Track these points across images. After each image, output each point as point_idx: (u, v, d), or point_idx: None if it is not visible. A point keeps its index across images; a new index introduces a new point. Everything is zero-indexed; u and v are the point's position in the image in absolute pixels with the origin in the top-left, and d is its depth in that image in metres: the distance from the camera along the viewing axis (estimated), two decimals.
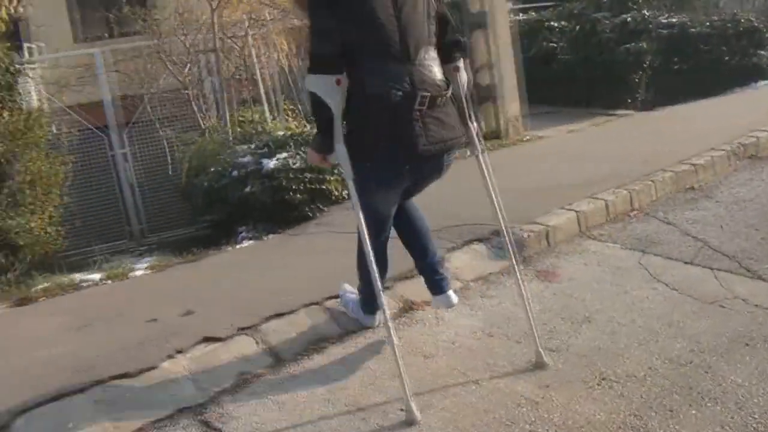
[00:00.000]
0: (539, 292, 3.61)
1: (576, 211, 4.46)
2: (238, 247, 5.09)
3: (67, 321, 3.77)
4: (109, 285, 4.60)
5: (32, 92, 8.84)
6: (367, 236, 2.74)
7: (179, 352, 3.10)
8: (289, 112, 7.84)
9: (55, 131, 8.26)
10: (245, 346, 3.16)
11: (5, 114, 6.91)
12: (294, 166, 5.46)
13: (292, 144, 5.68)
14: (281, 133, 5.86)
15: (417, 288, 3.53)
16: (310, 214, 5.41)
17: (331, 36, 2.67)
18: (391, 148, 2.72)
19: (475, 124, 2.97)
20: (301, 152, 5.58)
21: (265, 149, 5.73)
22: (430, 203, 3.37)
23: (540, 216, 4.41)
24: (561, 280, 3.73)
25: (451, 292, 3.23)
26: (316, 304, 3.47)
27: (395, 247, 3.20)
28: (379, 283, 2.76)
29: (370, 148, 2.73)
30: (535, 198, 4.83)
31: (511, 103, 7.16)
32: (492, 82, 7.08)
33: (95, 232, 8.65)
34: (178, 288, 4.23)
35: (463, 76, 2.92)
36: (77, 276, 5.00)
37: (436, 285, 3.21)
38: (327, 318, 3.40)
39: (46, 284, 4.84)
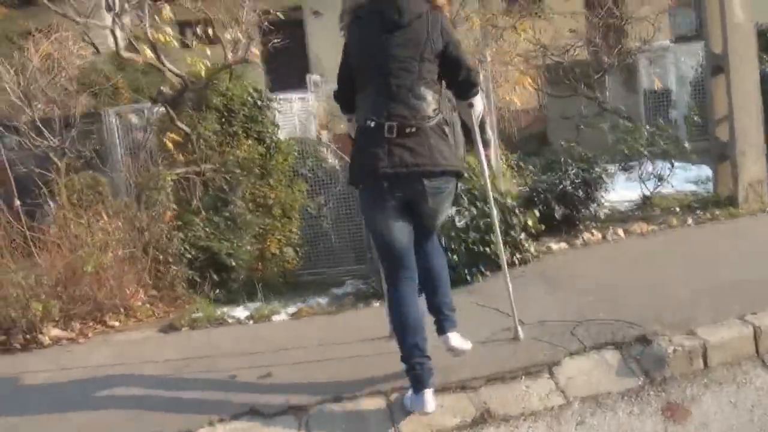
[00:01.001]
0: None
1: (755, 326, 3.50)
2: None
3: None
4: (247, 326, 4.73)
5: (295, 122, 9.58)
6: (382, 270, 3.31)
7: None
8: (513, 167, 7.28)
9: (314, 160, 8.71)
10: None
11: (244, 145, 7.51)
12: (458, 224, 5.09)
13: (465, 198, 5.30)
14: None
15: (503, 394, 3.05)
16: (469, 278, 5.01)
17: (342, 79, 3.31)
18: (364, 171, 3.13)
19: (483, 150, 3.45)
20: (473, 208, 5.20)
21: None
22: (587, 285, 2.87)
23: (704, 325, 3.53)
24: (688, 424, 2.93)
25: (450, 335, 3.29)
26: None
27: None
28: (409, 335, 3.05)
29: (356, 173, 3.21)
30: (717, 297, 3.89)
31: (754, 164, 5.98)
32: (731, 137, 5.98)
33: (337, 256, 8.98)
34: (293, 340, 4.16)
35: (477, 110, 3.37)
36: (226, 310, 5.17)
37: (439, 325, 3.33)
38: None
39: (200, 314, 5.07)
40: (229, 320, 4.92)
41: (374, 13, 3.18)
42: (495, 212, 3.85)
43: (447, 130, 3.21)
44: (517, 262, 5.15)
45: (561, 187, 5.62)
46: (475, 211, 5.15)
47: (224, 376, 3.64)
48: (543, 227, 5.54)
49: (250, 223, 7.13)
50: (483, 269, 5.05)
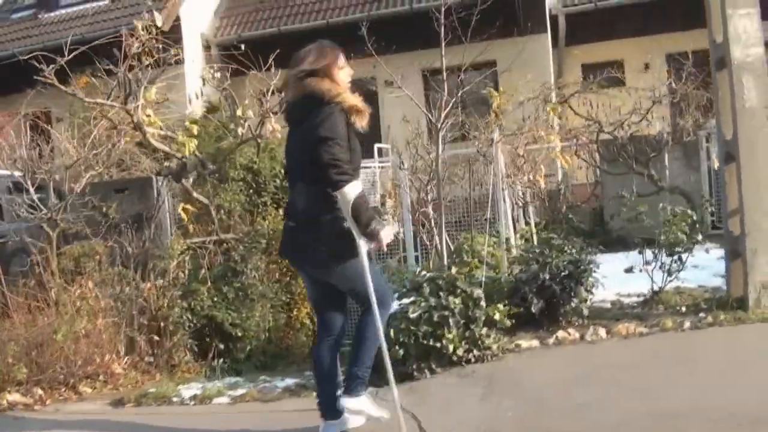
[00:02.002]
0: None
1: None
2: None
3: None
4: (186, 407, 4.75)
5: None
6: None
7: None
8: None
9: None
10: None
11: (271, 216, 7.67)
12: (411, 315, 4.91)
13: (427, 287, 5.12)
14: (425, 273, 5.33)
15: None
16: (416, 374, 4.80)
17: None
18: None
19: (363, 244, 3.57)
20: (433, 299, 5.01)
21: (404, 289, 5.28)
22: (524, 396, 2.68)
23: None
24: None
25: (344, 398, 3.75)
26: None
27: None
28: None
29: None
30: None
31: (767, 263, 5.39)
32: (741, 232, 5.43)
33: None
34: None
35: (342, 206, 3.50)
36: (179, 388, 5.21)
37: (345, 387, 3.79)
38: None
39: (152, 390, 5.16)
40: (175, 399, 4.97)
41: None
42: (375, 311, 3.66)
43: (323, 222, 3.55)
44: (473, 359, 4.89)
45: (541, 279, 5.30)
46: (433, 302, 4.95)
47: None
48: (514, 321, 5.25)
49: (263, 294, 7.21)
50: (434, 365, 4.84)
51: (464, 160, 8.17)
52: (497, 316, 5.10)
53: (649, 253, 6.01)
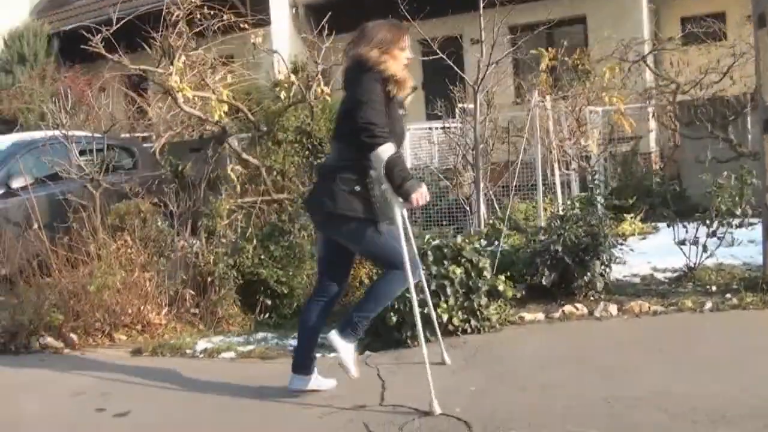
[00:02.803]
0: None
1: None
2: None
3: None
4: (196, 360, 5.05)
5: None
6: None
7: None
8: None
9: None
10: None
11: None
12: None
13: (431, 255, 5.08)
14: (432, 240, 5.26)
15: None
16: (408, 342, 4.82)
17: None
18: None
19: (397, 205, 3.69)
20: (435, 267, 4.98)
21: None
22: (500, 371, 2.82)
23: None
24: None
25: (331, 332, 3.83)
26: None
27: None
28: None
29: None
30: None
31: None
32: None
33: None
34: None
35: (376, 166, 3.60)
36: (198, 340, 5.49)
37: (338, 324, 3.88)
38: None
39: (173, 341, 5.49)
40: (188, 351, 5.27)
41: None
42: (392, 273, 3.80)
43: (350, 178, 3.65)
44: (469, 329, 4.84)
45: (552, 250, 5.13)
46: (434, 270, 4.93)
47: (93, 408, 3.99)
48: (523, 293, 5.14)
49: (310, 253, 7.38)
50: (428, 334, 4.83)
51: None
52: (501, 287, 5.00)
53: (690, 227, 5.66)
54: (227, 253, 6.70)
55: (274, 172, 7.60)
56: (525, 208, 6.57)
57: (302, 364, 3.99)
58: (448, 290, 4.81)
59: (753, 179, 5.38)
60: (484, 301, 4.89)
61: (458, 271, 4.90)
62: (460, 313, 4.85)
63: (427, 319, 4.85)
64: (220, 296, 6.45)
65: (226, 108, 6.31)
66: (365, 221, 3.69)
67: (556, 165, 6.74)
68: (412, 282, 3.78)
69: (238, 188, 7.18)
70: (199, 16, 6.85)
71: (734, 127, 8.18)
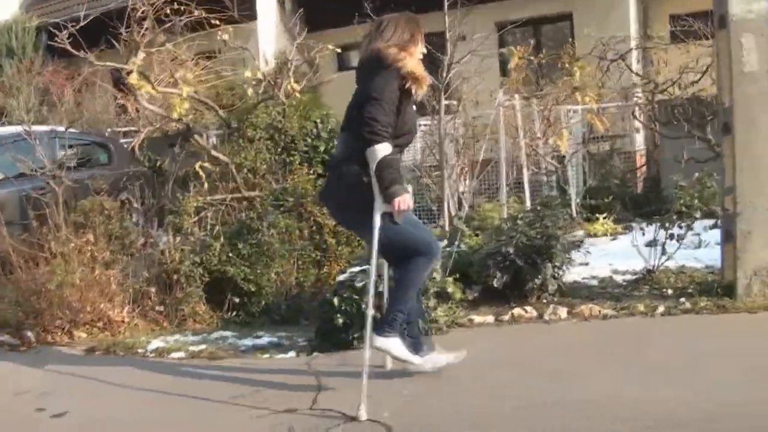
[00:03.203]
0: None
1: None
2: None
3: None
4: (144, 360, 5.04)
5: None
6: None
7: None
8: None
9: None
10: None
11: (299, 174, 7.79)
12: (358, 284, 4.89)
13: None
14: None
15: None
16: (355, 343, 4.80)
17: None
18: None
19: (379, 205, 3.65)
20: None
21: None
22: None
23: None
24: None
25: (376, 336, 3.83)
26: None
27: None
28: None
29: None
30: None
31: (763, 248, 4.85)
32: (733, 213, 4.92)
33: None
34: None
35: (369, 163, 3.61)
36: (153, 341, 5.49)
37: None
38: None
39: (128, 340, 5.49)
40: (140, 350, 5.27)
41: None
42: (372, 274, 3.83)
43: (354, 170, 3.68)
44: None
45: (503, 252, 5.09)
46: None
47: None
48: (476, 296, 5.11)
49: (282, 252, 7.35)
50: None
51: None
52: (450, 289, 4.97)
53: (651, 229, 5.62)
54: (194, 251, 6.71)
55: (245, 170, 7.59)
56: (491, 208, 6.53)
57: (388, 323, 3.92)
58: None
59: (713, 182, 5.31)
60: (432, 302, 4.86)
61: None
62: None
63: (377, 322, 4.86)
64: (185, 294, 6.46)
65: (187, 105, 6.29)
66: (372, 210, 3.69)
67: (524, 165, 6.69)
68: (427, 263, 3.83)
69: (206, 185, 7.19)
70: (168, 12, 6.86)
71: (712, 127, 8.10)
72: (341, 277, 5.09)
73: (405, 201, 3.62)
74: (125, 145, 8.69)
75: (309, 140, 7.95)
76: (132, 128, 10.28)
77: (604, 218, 7.36)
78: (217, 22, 7.23)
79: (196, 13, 7.15)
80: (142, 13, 6.33)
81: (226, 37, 6.98)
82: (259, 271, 6.78)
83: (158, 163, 8.96)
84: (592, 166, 8.47)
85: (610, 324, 4.75)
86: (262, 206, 7.23)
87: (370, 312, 3.83)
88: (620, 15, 11.01)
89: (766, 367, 3.77)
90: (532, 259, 5.06)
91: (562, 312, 4.90)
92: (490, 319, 4.97)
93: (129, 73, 6.03)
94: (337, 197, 3.91)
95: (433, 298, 4.87)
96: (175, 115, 6.39)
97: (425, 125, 8.59)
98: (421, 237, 3.83)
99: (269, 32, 12.27)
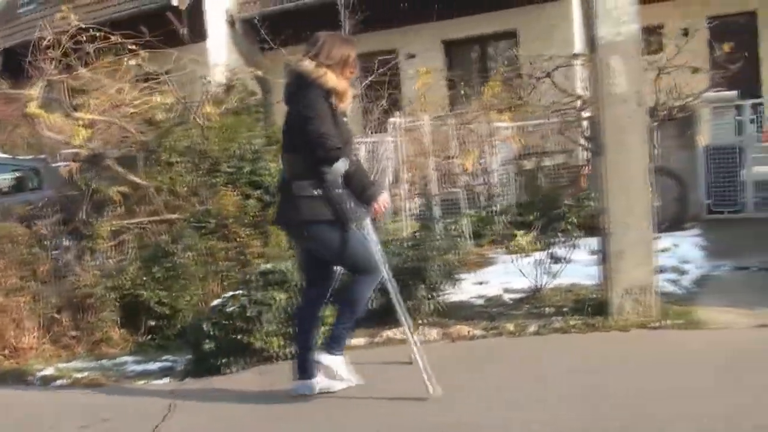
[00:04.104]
0: None
1: None
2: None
3: None
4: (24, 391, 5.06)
5: None
6: None
7: None
8: None
9: None
10: None
11: (225, 197, 7.77)
12: (228, 309, 4.88)
13: (259, 281, 5.07)
14: (263, 266, 5.26)
15: None
16: (222, 368, 4.80)
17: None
18: None
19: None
20: (259, 293, 4.95)
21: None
22: None
23: None
24: None
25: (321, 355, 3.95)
26: None
27: None
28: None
29: None
30: None
31: (635, 267, 4.79)
32: (605, 234, 4.90)
33: None
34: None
35: (334, 177, 3.70)
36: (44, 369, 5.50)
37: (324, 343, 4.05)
38: None
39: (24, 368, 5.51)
40: (29, 379, 5.29)
41: None
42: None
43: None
44: (290, 355, 4.79)
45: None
46: (257, 296, 4.90)
47: None
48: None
49: (198, 274, 7.35)
50: (246, 362, 4.81)
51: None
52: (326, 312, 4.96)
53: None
54: (109, 275, 6.73)
55: (165, 192, 7.61)
56: (396, 228, 6.53)
57: (301, 367, 4.02)
58: (264, 317, 4.77)
59: (591, 202, 5.31)
60: None
61: (281, 296, 4.88)
62: (281, 339, 4.82)
63: (244, 347, 4.87)
64: (98, 318, 6.48)
65: (84, 133, 6.35)
66: (333, 224, 3.75)
67: (433, 184, 6.70)
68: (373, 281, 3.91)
69: (122, 208, 7.22)
70: (83, 39, 6.95)
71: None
72: (215, 302, 5.09)
73: (384, 201, 3.82)
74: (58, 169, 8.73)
75: (233, 162, 7.96)
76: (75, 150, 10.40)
77: (523, 234, 7.34)
78: (134, 47, 7.29)
79: (112, 38, 7.21)
80: (48, 41, 6.40)
81: (140, 61, 7.04)
82: (174, 294, 6.78)
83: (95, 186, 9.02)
84: (522, 182, 8.47)
85: (476, 345, 4.74)
86: (179, 229, 7.24)
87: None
88: (564, 33, 11.01)
89: (598, 385, 3.77)
90: (404, 281, 5.05)
91: (433, 333, 4.89)
92: (362, 341, 4.97)
93: (28, 102, 6.10)
94: (292, 217, 3.86)
95: None
96: (76, 142, 6.43)
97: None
98: (372, 254, 3.87)
99: (220, 51, 12.36)
